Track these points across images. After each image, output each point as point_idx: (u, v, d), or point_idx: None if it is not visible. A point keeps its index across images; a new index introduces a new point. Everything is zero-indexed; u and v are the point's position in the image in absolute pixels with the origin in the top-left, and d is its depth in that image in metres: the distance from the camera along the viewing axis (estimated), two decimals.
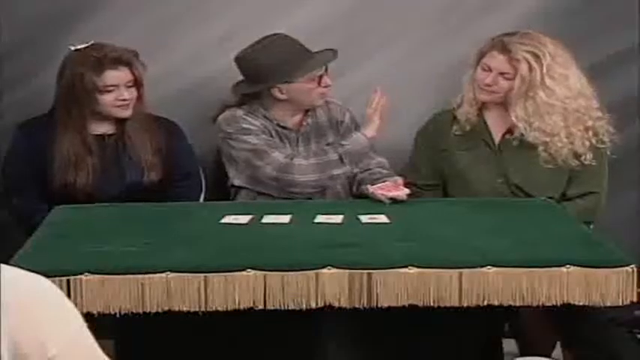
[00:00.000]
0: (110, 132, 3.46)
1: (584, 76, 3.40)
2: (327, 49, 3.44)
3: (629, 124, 3.81)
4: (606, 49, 3.84)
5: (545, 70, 3.31)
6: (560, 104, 3.33)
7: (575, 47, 3.46)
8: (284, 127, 3.47)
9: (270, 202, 3.35)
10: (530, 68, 3.32)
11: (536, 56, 3.32)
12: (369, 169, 3.46)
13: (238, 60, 3.45)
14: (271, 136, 3.43)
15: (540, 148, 3.37)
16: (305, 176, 3.34)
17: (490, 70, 3.39)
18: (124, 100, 3.37)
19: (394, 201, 3.16)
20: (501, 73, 3.37)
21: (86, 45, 3.37)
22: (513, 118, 3.37)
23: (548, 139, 3.35)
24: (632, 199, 3.90)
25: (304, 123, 3.49)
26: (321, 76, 3.42)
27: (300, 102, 3.46)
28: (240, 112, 3.45)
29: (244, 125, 3.41)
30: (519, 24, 3.66)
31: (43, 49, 3.66)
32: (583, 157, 3.38)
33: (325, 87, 3.44)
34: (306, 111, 3.50)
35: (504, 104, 3.42)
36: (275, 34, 3.44)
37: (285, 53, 3.40)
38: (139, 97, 3.41)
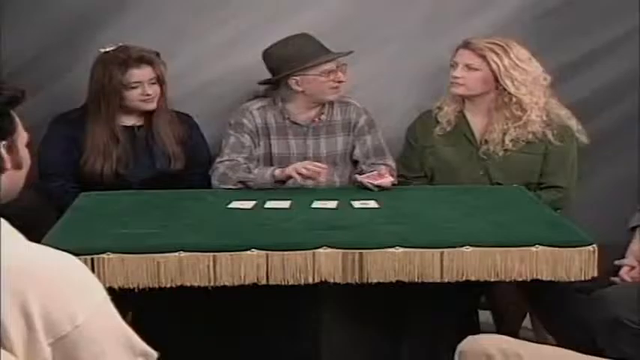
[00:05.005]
0: (139, 124, 3.48)
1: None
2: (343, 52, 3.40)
3: (629, 97, 3.77)
4: (607, 33, 3.76)
5: (512, 57, 3.29)
6: (528, 86, 3.30)
7: (565, 41, 3.49)
8: (294, 123, 3.41)
9: (272, 190, 3.32)
10: (497, 55, 3.30)
11: (501, 47, 3.31)
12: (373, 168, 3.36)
13: (264, 54, 3.42)
14: (268, 136, 3.39)
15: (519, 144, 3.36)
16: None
17: (457, 65, 3.37)
18: (148, 95, 3.40)
19: (380, 188, 3.15)
20: (467, 65, 3.35)
21: (113, 47, 3.39)
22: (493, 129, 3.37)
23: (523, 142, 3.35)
24: (633, 166, 3.73)
25: (316, 119, 3.43)
26: (334, 72, 3.34)
27: (314, 95, 3.37)
28: (253, 106, 3.42)
29: (243, 120, 3.39)
30: (508, 23, 3.65)
31: (72, 51, 3.65)
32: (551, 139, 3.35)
33: (338, 82, 3.35)
34: (321, 107, 3.43)
35: (483, 108, 3.41)
36: (300, 33, 3.40)
37: (304, 47, 3.36)
38: (162, 93, 3.44)
